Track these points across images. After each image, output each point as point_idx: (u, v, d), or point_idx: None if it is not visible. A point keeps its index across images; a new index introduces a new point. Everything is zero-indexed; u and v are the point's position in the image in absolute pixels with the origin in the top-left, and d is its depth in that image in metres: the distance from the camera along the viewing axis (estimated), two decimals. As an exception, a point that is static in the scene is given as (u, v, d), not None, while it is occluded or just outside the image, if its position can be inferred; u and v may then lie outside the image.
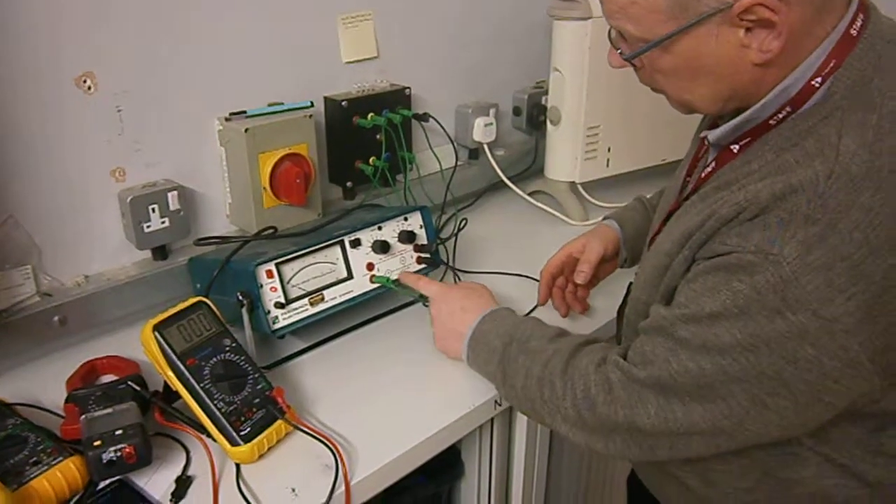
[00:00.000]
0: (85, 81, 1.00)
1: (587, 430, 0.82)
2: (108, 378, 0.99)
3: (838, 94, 0.70)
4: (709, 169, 0.82)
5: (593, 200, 1.55)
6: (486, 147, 1.51)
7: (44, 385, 0.96)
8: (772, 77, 0.72)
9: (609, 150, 1.51)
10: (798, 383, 0.68)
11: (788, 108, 0.72)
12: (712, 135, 0.79)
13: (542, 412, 0.86)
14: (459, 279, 1.20)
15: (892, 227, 0.66)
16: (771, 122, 0.73)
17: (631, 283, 0.97)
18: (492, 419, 1.05)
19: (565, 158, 1.50)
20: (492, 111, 1.52)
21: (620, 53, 0.79)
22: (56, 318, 1.02)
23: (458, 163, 1.53)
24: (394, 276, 1.10)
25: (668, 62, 0.74)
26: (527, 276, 1.24)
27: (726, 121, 0.78)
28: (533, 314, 1.12)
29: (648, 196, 1.18)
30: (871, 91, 0.69)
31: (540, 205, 1.53)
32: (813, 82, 0.70)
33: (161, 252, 1.12)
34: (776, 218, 0.68)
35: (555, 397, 0.84)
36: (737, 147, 0.77)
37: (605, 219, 1.16)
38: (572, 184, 1.53)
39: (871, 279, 0.65)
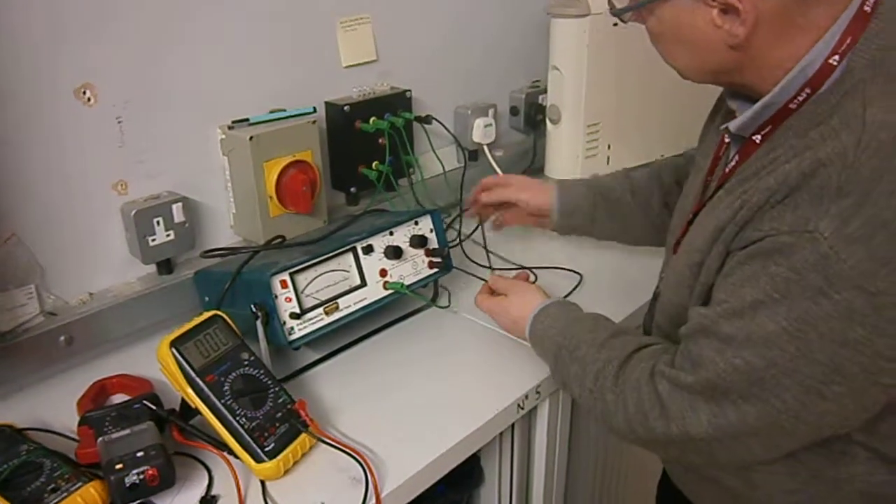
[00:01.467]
0: (84, 93, 0.98)
1: (642, 442, 0.82)
2: (118, 397, 0.97)
3: (857, 69, 0.69)
4: (732, 163, 0.81)
5: (596, 198, 1.54)
6: (485, 148, 1.50)
7: (53, 407, 0.93)
8: (754, 61, 0.73)
9: (609, 147, 1.51)
10: (852, 367, 0.65)
11: (808, 90, 0.71)
12: (733, 125, 0.79)
13: (599, 421, 0.86)
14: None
15: None
16: (791, 105, 0.73)
17: (657, 289, 0.95)
18: (512, 425, 1.03)
19: (566, 156, 1.49)
20: (491, 112, 1.50)
21: (611, 9, 0.82)
22: (62, 338, 0.99)
23: (458, 164, 1.52)
24: (407, 282, 1.08)
25: (655, 25, 0.78)
26: (566, 269, 1.27)
27: (744, 111, 0.78)
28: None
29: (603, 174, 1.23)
30: (891, 63, 0.69)
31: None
32: (830, 60, 0.70)
33: (166, 266, 1.09)
34: (807, 195, 0.66)
35: (607, 412, 0.83)
36: (759, 137, 0.76)
37: (554, 180, 1.25)
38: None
39: None
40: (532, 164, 1.61)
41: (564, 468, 1.17)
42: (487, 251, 1.27)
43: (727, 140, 0.85)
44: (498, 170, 1.50)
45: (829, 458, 0.77)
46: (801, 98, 0.72)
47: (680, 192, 1.00)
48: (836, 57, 0.70)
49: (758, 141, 0.76)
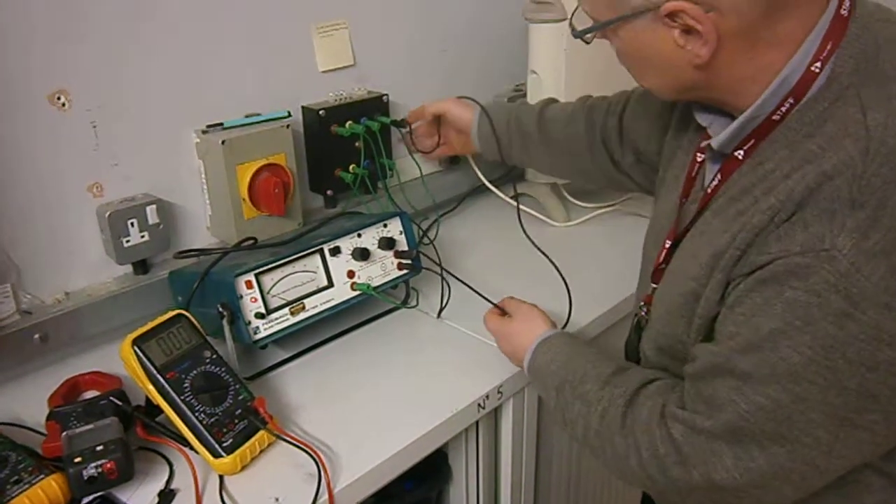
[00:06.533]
0: (59, 98, 1.00)
1: (659, 489, 0.76)
2: (91, 394, 0.99)
3: (844, 75, 0.67)
4: (715, 183, 0.77)
5: (575, 201, 1.56)
6: (466, 151, 1.51)
7: (26, 403, 0.96)
8: (722, 79, 0.71)
9: (589, 150, 1.52)
10: (884, 390, 0.62)
11: (791, 100, 0.69)
12: (715, 142, 0.76)
13: (610, 466, 0.80)
14: (448, 284, 1.17)
15: None
16: (774, 117, 0.70)
17: (637, 319, 0.91)
18: (477, 423, 1.05)
19: (545, 160, 1.51)
20: (471, 115, 1.52)
21: (572, 28, 0.81)
22: (37, 336, 1.02)
23: (439, 168, 1.54)
24: (374, 283, 1.10)
25: (618, 46, 0.77)
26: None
27: (718, 126, 0.76)
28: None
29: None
30: (880, 64, 0.67)
31: (522, 207, 1.53)
32: (812, 68, 0.68)
33: (142, 266, 1.12)
34: (817, 210, 0.62)
35: (617, 456, 0.77)
36: (741, 153, 0.73)
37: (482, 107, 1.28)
38: (554, 185, 1.54)
39: None
40: (515, 167, 1.63)
41: (533, 466, 1.18)
42: (442, 268, 1.18)
43: (700, 159, 0.82)
44: (479, 173, 1.51)
45: (842, 490, 0.72)
46: (784, 109, 0.69)
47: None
48: (818, 64, 0.67)
49: (740, 157, 0.73)
